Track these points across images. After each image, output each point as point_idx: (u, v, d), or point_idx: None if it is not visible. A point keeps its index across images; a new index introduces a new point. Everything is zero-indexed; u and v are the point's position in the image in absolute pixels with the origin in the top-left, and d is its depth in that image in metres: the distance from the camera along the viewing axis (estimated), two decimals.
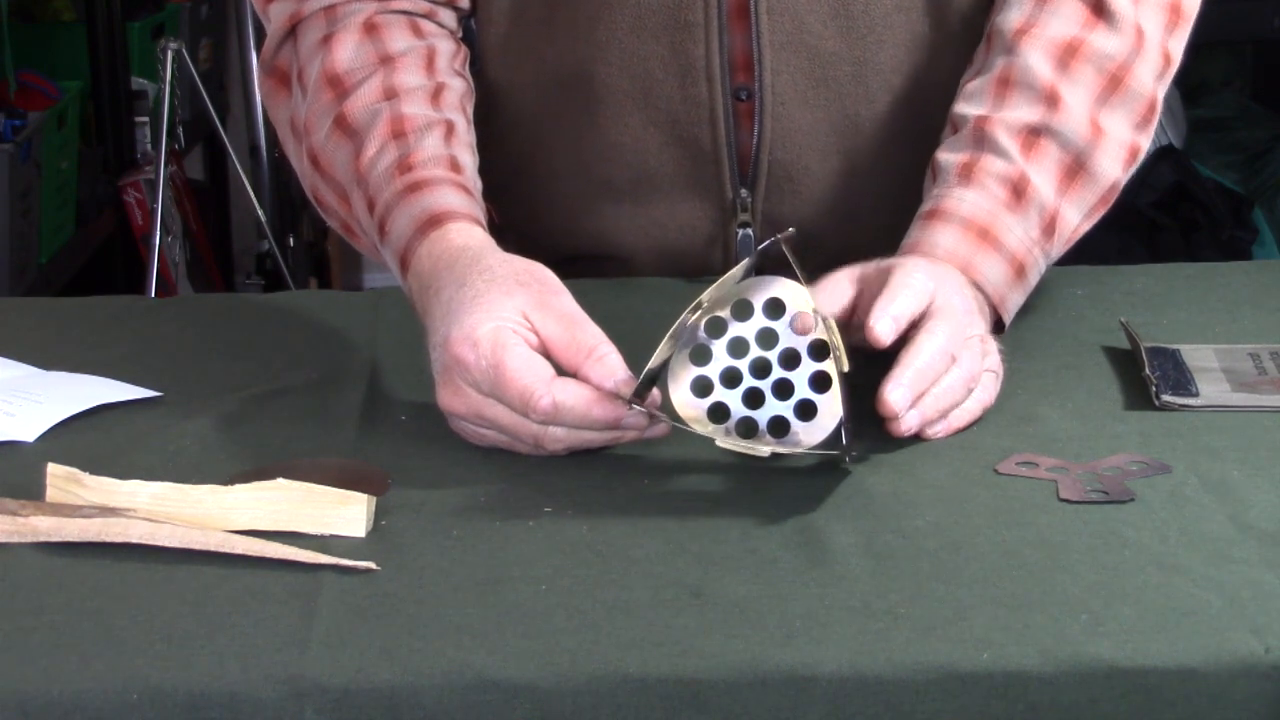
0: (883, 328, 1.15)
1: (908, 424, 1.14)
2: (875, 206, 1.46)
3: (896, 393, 1.14)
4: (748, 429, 1.12)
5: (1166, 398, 1.21)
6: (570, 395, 1.12)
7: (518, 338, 1.14)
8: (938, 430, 1.17)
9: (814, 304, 1.13)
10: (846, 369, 1.10)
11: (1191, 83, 3.64)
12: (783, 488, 1.10)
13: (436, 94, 1.34)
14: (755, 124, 1.42)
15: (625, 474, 1.12)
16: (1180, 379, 1.24)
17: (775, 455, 1.12)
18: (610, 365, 1.13)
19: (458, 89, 1.36)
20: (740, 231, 1.44)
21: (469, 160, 1.32)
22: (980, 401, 1.19)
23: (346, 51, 1.35)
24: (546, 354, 1.14)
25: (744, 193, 1.44)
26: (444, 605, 0.96)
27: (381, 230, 1.27)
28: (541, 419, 1.12)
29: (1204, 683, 0.90)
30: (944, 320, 1.18)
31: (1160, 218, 3.35)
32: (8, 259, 2.71)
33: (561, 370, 1.14)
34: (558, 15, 1.42)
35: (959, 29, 1.43)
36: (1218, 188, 3.47)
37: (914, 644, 0.92)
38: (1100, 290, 1.42)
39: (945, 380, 1.17)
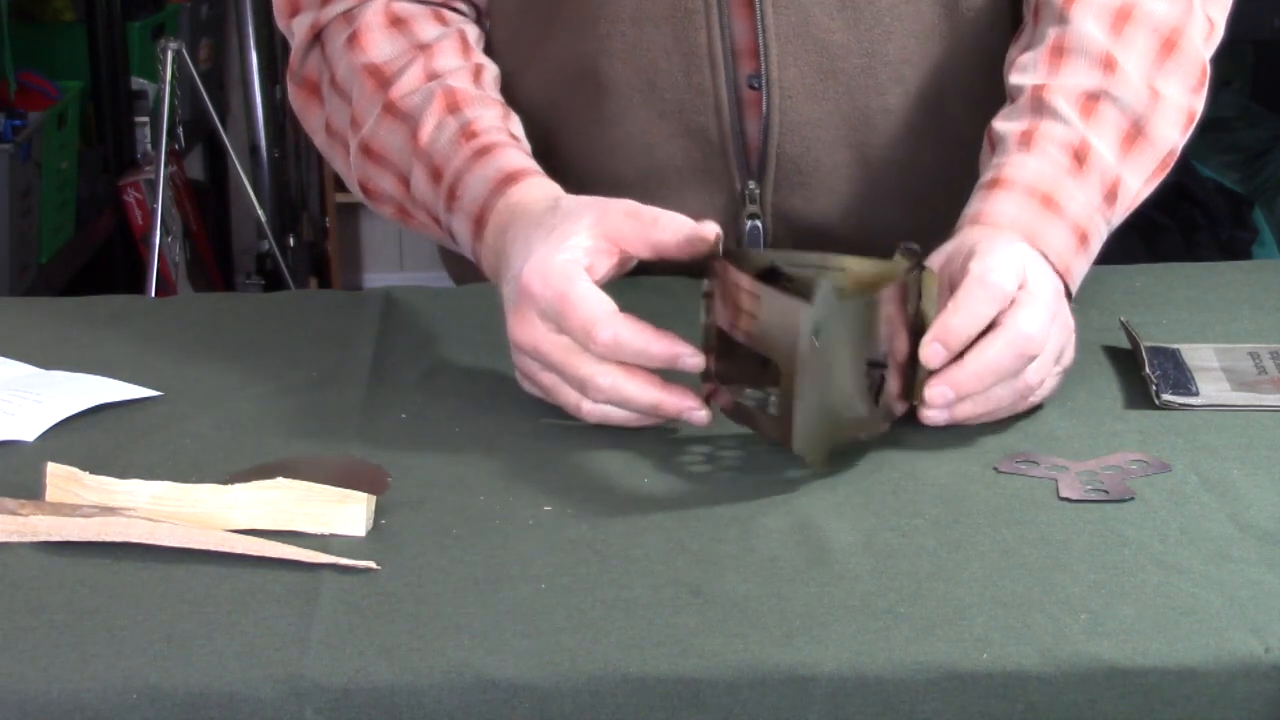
0: (930, 352, 1.13)
1: (932, 419, 1.15)
2: (889, 198, 1.45)
3: (935, 390, 1.13)
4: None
5: (1166, 397, 1.21)
6: (630, 330, 1.14)
7: (584, 271, 1.16)
8: (979, 419, 1.17)
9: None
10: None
11: None
12: (783, 487, 1.10)
13: (477, 74, 1.37)
14: (763, 117, 1.41)
15: (625, 474, 1.12)
16: (1180, 378, 1.24)
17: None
18: (677, 223, 1.17)
19: (493, 70, 1.40)
20: (749, 223, 1.44)
21: (523, 135, 1.35)
22: (1035, 401, 1.18)
23: (379, 44, 1.38)
24: (622, 250, 1.18)
25: (751, 184, 1.44)
26: (444, 605, 0.96)
27: (451, 196, 1.30)
28: (602, 351, 1.14)
29: (1204, 683, 0.90)
30: (1032, 310, 1.15)
31: (1160, 218, 3.36)
32: (8, 259, 2.71)
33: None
34: (561, 9, 1.43)
35: (969, 17, 1.42)
36: (1218, 188, 3.47)
37: (914, 644, 0.92)
38: (1100, 290, 1.42)
39: (996, 395, 1.15)
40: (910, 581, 0.98)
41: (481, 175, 1.28)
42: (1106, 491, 1.08)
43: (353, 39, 1.38)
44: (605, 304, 1.15)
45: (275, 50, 3.66)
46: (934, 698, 0.90)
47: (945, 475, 1.11)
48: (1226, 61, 3.93)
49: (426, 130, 1.32)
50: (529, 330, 1.17)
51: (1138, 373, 1.25)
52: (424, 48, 1.37)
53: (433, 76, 1.35)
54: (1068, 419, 1.19)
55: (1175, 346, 1.29)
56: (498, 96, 1.37)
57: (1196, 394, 1.22)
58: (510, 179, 1.27)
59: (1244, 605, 0.95)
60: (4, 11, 2.87)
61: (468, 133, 1.31)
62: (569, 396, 1.17)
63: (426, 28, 1.39)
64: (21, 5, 3.21)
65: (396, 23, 1.39)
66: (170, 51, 3.05)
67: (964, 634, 0.93)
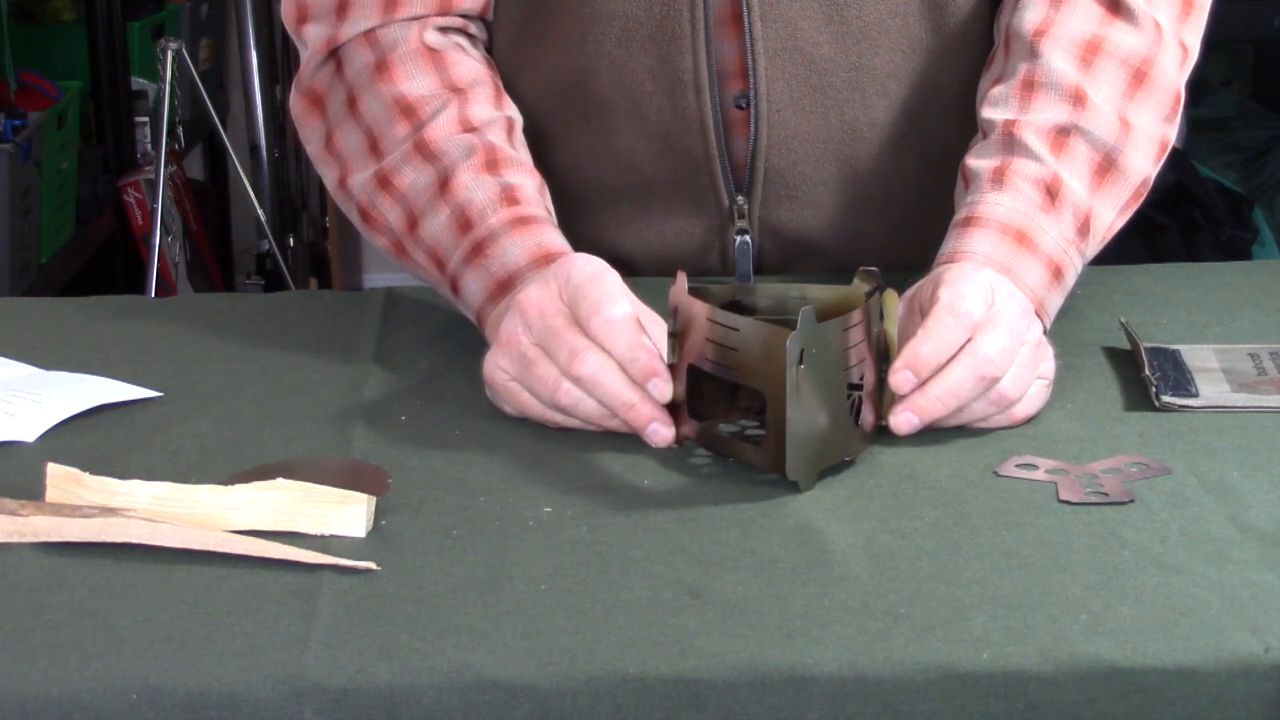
0: (900, 379, 1.14)
1: (904, 431, 1.15)
2: (876, 213, 1.46)
3: (900, 417, 1.15)
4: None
5: (1166, 398, 1.21)
6: (635, 323, 1.15)
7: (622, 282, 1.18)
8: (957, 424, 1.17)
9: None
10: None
11: (1191, 82, 3.64)
12: (783, 489, 1.10)
13: (510, 129, 1.36)
14: (750, 132, 1.42)
15: (625, 474, 1.13)
16: (1180, 379, 1.24)
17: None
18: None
19: (520, 122, 1.39)
20: (738, 238, 1.44)
21: (553, 209, 1.34)
22: (1025, 411, 1.18)
23: (411, 78, 1.36)
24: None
25: (740, 200, 1.44)
26: (444, 605, 0.97)
27: (478, 252, 1.28)
28: (601, 325, 1.14)
29: (1204, 683, 0.91)
30: (994, 333, 1.16)
31: (1160, 218, 3.36)
32: (8, 259, 2.71)
33: None
34: (552, 26, 1.43)
35: (956, 32, 1.43)
36: (1218, 188, 3.47)
37: (914, 644, 0.92)
38: (1100, 290, 1.42)
39: (968, 410, 1.16)
40: (910, 583, 0.98)
41: (521, 244, 1.26)
42: (1106, 494, 1.08)
43: (382, 67, 1.36)
44: (629, 299, 1.16)
45: (275, 50, 3.66)
46: (934, 698, 0.90)
47: (945, 478, 1.11)
48: (1226, 61, 3.94)
49: (461, 180, 1.30)
50: (544, 294, 1.17)
51: (1137, 374, 1.25)
52: (458, 91, 1.35)
53: (467, 125, 1.34)
54: (1067, 421, 1.19)
55: (1175, 347, 1.29)
56: (529, 159, 1.36)
57: (1196, 395, 1.22)
58: (548, 258, 1.25)
59: (1244, 605, 0.95)
60: (4, 11, 2.87)
61: (509, 197, 1.29)
62: (548, 373, 1.16)
63: (460, 65, 1.37)
64: (21, 5, 3.21)
65: (429, 55, 1.37)
66: (170, 51, 3.05)
67: (964, 634, 0.93)
